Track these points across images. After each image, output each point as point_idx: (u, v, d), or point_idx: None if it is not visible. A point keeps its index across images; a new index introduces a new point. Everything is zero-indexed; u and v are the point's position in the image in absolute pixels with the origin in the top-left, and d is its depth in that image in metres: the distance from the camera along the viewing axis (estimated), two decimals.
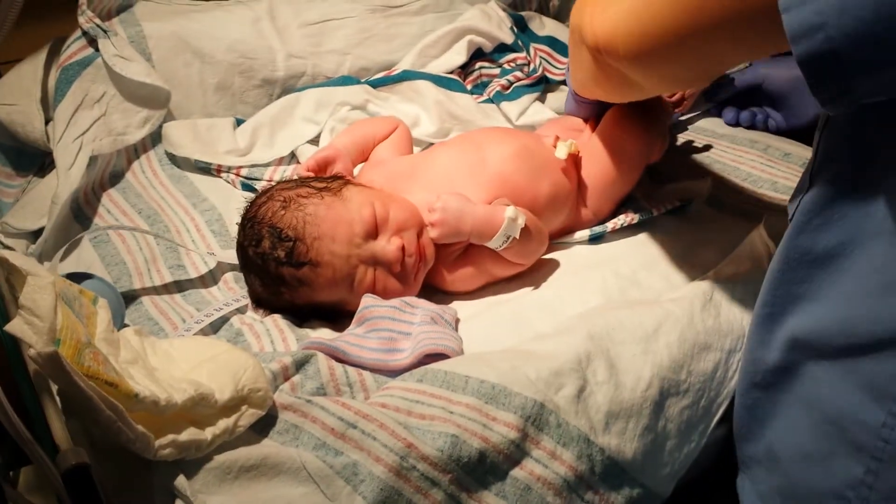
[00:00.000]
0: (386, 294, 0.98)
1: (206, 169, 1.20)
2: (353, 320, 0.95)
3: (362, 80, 1.37)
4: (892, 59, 0.52)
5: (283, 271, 0.95)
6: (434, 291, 1.05)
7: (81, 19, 1.18)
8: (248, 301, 1.00)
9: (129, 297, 0.97)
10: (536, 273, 1.05)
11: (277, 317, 0.96)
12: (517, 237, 0.98)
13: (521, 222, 0.98)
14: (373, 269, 0.97)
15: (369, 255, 0.97)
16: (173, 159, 1.20)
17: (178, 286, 1.01)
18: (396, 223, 0.99)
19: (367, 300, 0.95)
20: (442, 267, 1.04)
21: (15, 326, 0.61)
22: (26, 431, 0.54)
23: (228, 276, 1.04)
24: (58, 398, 0.63)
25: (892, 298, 0.61)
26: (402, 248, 0.98)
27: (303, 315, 1.00)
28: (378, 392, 0.82)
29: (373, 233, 0.97)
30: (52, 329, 0.62)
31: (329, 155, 1.11)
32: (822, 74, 0.55)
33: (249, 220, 0.98)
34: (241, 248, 0.99)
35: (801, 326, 0.69)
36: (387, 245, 0.97)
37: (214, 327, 0.95)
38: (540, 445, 0.76)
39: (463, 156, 1.08)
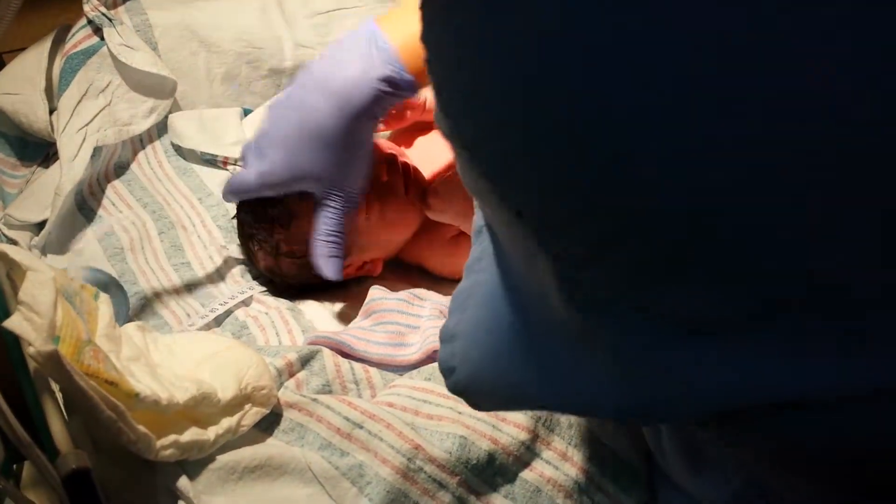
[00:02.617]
0: (382, 208, 0.96)
1: (212, 161, 1.19)
2: (360, 312, 0.93)
3: None
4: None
5: (271, 212, 0.94)
6: (434, 279, 1.04)
7: (86, 7, 1.16)
8: (252, 292, 0.99)
9: (134, 292, 0.96)
10: None
11: (283, 308, 0.95)
12: None
13: None
14: None
15: None
16: (179, 151, 1.19)
17: (182, 279, 1.00)
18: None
19: (375, 292, 0.94)
20: (434, 247, 1.03)
21: (14, 323, 0.59)
22: (25, 434, 0.52)
23: (235, 271, 1.03)
24: (59, 397, 0.62)
25: None
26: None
27: (314, 288, 0.99)
28: (385, 390, 0.81)
29: None
30: (51, 326, 0.60)
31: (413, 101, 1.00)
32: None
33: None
34: (237, 223, 1.00)
35: None
36: None
37: (218, 320, 0.94)
38: (550, 447, 0.74)
39: None
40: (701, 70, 0.29)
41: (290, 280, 1.00)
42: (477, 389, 0.56)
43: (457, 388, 0.58)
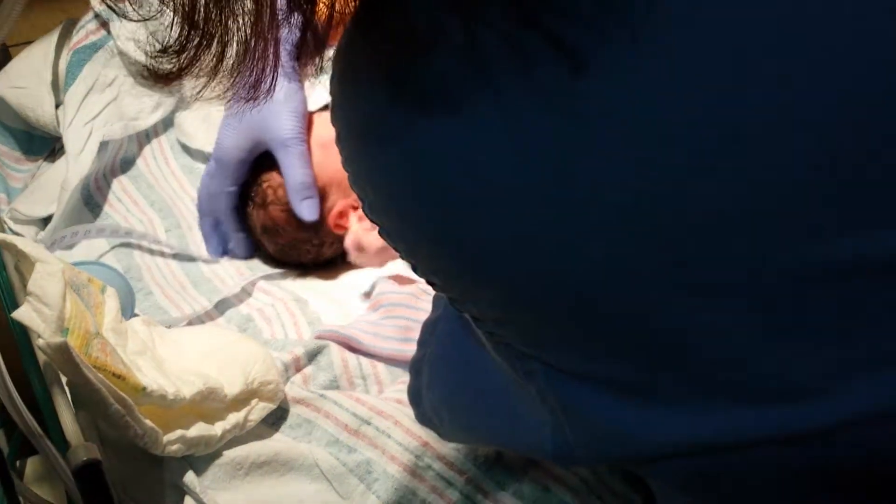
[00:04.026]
0: None
1: None
2: (368, 305, 0.93)
3: None
4: None
5: (258, 168, 1.00)
6: None
7: (93, 1, 1.16)
8: (255, 276, 0.99)
9: (139, 287, 0.96)
10: None
11: (289, 300, 0.94)
12: None
13: None
14: None
15: None
16: (186, 149, 1.18)
17: (187, 275, 1.00)
18: None
19: (383, 286, 0.94)
20: None
21: (23, 314, 0.59)
22: (36, 425, 0.52)
23: (241, 266, 1.03)
24: (68, 390, 0.61)
25: None
26: None
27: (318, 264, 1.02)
28: (393, 386, 0.81)
29: None
30: (60, 317, 0.60)
31: None
32: None
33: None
34: (250, 219, 1.02)
35: None
36: None
37: (221, 310, 0.93)
38: None
39: None
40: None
41: (286, 244, 1.01)
42: (440, 422, 0.59)
43: (423, 419, 0.62)
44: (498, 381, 0.48)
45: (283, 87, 0.96)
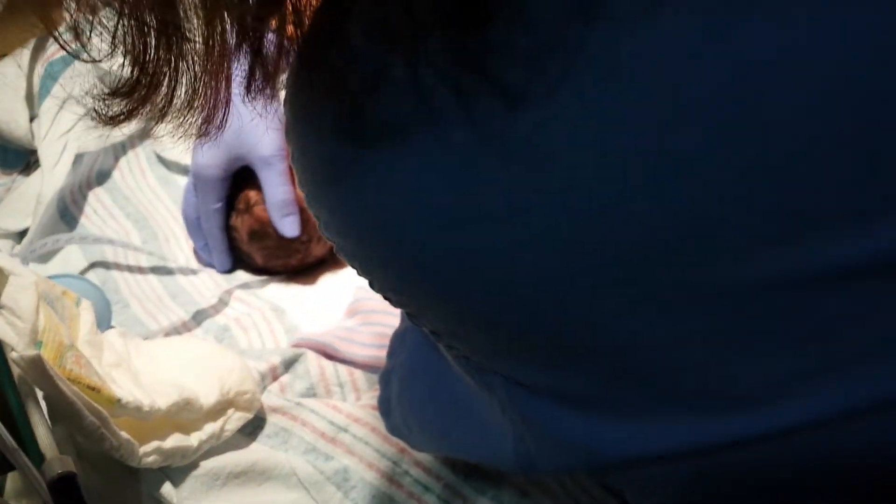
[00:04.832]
0: None
1: None
2: (345, 312, 0.93)
3: None
4: None
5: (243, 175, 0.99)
6: None
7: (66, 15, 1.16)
8: (233, 286, 0.98)
9: (116, 300, 0.96)
10: None
11: (266, 308, 0.94)
12: None
13: None
14: None
15: None
16: (162, 159, 1.18)
17: (165, 287, 1.00)
18: None
19: (359, 293, 0.94)
20: None
21: None
22: (11, 439, 0.52)
23: (219, 279, 1.02)
24: (43, 403, 0.61)
25: None
26: None
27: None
28: (370, 393, 0.81)
29: None
30: (34, 330, 0.60)
31: None
32: None
33: None
34: (234, 231, 1.00)
35: None
36: None
37: (198, 321, 0.93)
38: None
39: None
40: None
41: (275, 246, 0.99)
42: (409, 432, 0.59)
43: (393, 430, 0.63)
44: (463, 392, 0.48)
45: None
